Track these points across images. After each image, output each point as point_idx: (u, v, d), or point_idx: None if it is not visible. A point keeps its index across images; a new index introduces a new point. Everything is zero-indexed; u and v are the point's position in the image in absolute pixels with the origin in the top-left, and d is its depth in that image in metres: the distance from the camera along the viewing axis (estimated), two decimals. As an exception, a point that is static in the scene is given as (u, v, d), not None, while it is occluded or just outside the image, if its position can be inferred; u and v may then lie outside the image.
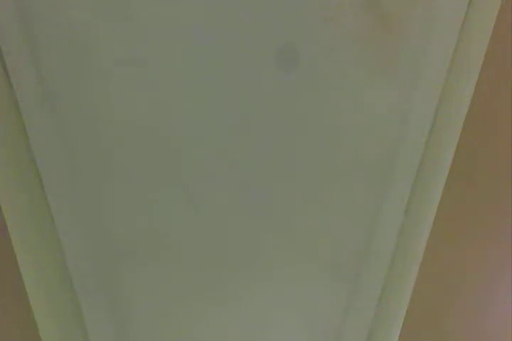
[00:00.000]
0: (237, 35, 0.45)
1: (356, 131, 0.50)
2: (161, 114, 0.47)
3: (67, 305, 0.54)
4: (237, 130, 0.49)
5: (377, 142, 0.51)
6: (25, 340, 0.53)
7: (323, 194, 0.52)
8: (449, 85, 0.49)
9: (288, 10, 0.44)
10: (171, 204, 0.51)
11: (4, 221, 0.48)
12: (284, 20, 0.45)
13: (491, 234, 0.59)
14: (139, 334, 0.57)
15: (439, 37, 0.47)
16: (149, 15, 0.44)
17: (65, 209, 0.50)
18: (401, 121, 0.50)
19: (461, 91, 0.50)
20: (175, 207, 0.51)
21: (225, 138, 0.49)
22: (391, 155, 0.51)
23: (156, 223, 0.52)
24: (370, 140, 0.50)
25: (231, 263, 0.54)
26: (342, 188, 0.52)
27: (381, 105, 0.49)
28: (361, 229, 0.54)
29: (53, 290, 0.53)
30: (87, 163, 0.49)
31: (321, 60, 0.46)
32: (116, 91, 0.46)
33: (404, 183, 0.53)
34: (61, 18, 0.43)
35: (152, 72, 0.46)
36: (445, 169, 0.52)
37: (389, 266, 0.56)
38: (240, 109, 0.48)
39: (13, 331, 0.54)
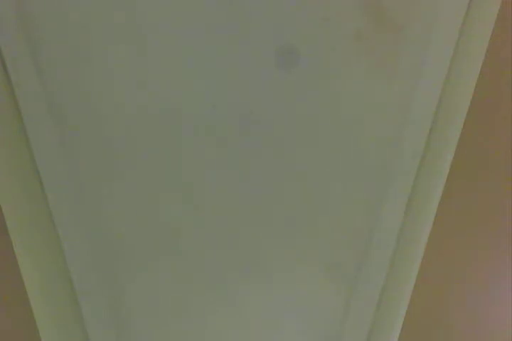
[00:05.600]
0: (236, 35, 0.45)
1: (356, 130, 0.50)
2: (162, 114, 0.47)
3: (68, 305, 0.54)
4: (236, 130, 0.49)
5: (377, 142, 0.51)
6: (25, 340, 0.53)
7: (323, 193, 0.52)
8: (449, 85, 0.49)
9: (287, 9, 0.44)
10: (172, 205, 0.51)
11: (4, 221, 0.48)
12: (283, 19, 0.45)
13: (491, 234, 0.59)
14: (139, 335, 0.57)
15: (439, 37, 0.47)
16: (150, 15, 0.44)
17: (65, 209, 0.50)
18: (401, 120, 0.50)
19: (461, 91, 0.50)
20: (175, 207, 0.51)
21: (225, 138, 0.49)
22: (391, 154, 0.51)
23: (156, 223, 0.52)
24: (370, 139, 0.50)
25: (231, 263, 0.54)
26: (342, 188, 0.52)
27: (381, 105, 0.49)
28: (361, 228, 0.54)
29: (53, 290, 0.52)
30: (87, 163, 0.48)
31: (321, 59, 0.46)
32: (117, 91, 0.46)
33: (404, 183, 0.53)
34: (62, 18, 0.43)
35: (153, 73, 0.46)
36: (445, 169, 0.52)
37: (389, 266, 0.56)
38: (239, 108, 0.48)
39: (13, 331, 0.54)
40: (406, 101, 0.49)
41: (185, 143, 0.49)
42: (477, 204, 0.57)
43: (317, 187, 0.52)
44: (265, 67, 0.46)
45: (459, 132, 0.51)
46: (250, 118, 0.48)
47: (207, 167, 0.50)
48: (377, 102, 0.49)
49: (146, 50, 0.45)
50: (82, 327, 0.55)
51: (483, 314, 0.63)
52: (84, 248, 0.52)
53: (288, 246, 0.54)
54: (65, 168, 0.49)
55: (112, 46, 0.44)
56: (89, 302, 0.54)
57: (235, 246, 0.54)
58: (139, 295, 0.55)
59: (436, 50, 0.47)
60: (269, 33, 0.45)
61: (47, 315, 0.52)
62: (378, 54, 0.47)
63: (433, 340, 0.65)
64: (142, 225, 0.52)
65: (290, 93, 0.48)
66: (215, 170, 0.50)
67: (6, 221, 0.48)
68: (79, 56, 0.44)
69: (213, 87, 0.47)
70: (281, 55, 0.46)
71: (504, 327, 0.64)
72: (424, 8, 0.46)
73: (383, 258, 0.56)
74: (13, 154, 0.47)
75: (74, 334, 0.55)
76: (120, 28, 0.44)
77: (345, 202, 0.53)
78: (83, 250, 0.52)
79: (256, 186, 0.51)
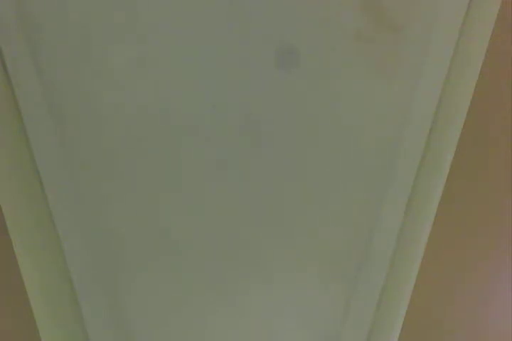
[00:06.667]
0: (236, 35, 0.45)
1: (356, 130, 0.50)
2: (162, 114, 0.47)
3: (68, 305, 0.54)
4: (236, 130, 0.49)
5: (377, 142, 0.51)
6: (25, 340, 0.53)
7: (323, 194, 0.52)
8: (449, 85, 0.49)
9: (288, 9, 0.44)
10: (172, 205, 0.51)
11: (4, 221, 0.48)
12: (283, 19, 0.45)
13: (491, 234, 0.59)
14: (139, 335, 0.57)
15: (439, 37, 0.47)
16: (151, 15, 0.44)
17: (65, 209, 0.50)
18: (401, 121, 0.50)
19: (461, 91, 0.50)
20: (175, 207, 0.51)
21: (225, 138, 0.49)
22: (391, 155, 0.51)
23: (156, 223, 0.52)
24: (370, 140, 0.50)
25: (231, 263, 0.54)
26: (342, 188, 0.52)
27: (381, 105, 0.49)
28: (361, 229, 0.54)
29: (53, 290, 0.53)
30: (87, 163, 0.48)
31: (321, 59, 0.46)
32: (117, 91, 0.46)
33: (404, 183, 0.53)
34: (62, 18, 0.43)
35: (153, 73, 0.46)
36: (445, 169, 0.52)
37: (389, 266, 0.56)
38: (239, 109, 0.48)
39: (13, 331, 0.54)
40: (406, 101, 0.49)
41: (185, 143, 0.49)
42: (477, 204, 0.57)
43: (317, 187, 0.52)
44: (265, 67, 0.46)
45: (459, 132, 0.51)
46: (250, 119, 0.48)
47: (207, 167, 0.50)
48: (377, 102, 0.49)
49: (146, 50, 0.45)
50: (82, 327, 0.55)
51: (483, 314, 0.63)
52: (84, 248, 0.52)
53: (288, 246, 0.54)
54: (65, 168, 0.48)
55: (112, 46, 0.44)
56: (89, 302, 0.54)
57: (235, 246, 0.54)
58: (138, 295, 0.55)
59: (436, 50, 0.47)
60: (269, 33, 0.45)
61: (47, 315, 0.52)
62: (378, 54, 0.47)
63: (433, 340, 0.65)
64: (142, 225, 0.52)
65: (290, 93, 0.48)
66: (215, 170, 0.50)
67: (6, 221, 0.48)
68: (79, 56, 0.44)
69: (213, 87, 0.47)
70: (281, 55, 0.46)
71: (504, 327, 0.64)
72: (424, 8, 0.46)
73: (383, 258, 0.56)
74: (13, 154, 0.47)
75: (74, 334, 0.55)
76: (120, 28, 0.44)
77: (345, 202, 0.53)
78: (83, 250, 0.52)
79: (256, 186, 0.51)
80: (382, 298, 0.57)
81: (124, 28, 0.44)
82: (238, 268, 0.55)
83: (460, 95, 0.50)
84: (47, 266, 0.51)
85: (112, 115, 0.47)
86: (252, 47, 0.45)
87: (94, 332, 0.55)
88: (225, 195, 0.51)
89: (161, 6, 0.43)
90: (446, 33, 0.47)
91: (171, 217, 0.52)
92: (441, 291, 0.62)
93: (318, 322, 0.59)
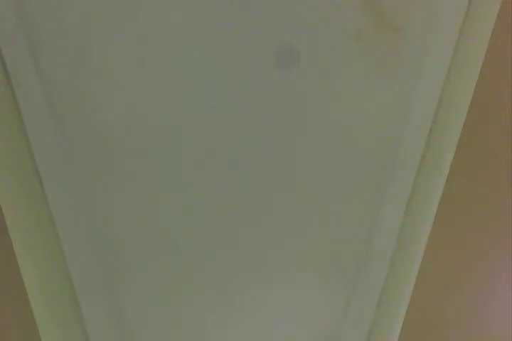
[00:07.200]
0: (236, 35, 0.45)
1: (356, 130, 0.50)
2: (162, 114, 0.47)
3: (68, 305, 0.54)
4: (236, 131, 0.49)
5: (377, 142, 0.51)
6: (25, 340, 0.53)
7: (323, 193, 0.52)
8: (449, 85, 0.49)
9: (288, 9, 0.44)
10: (172, 205, 0.51)
11: (4, 221, 0.48)
12: (283, 19, 0.45)
13: (491, 234, 0.59)
14: (139, 334, 0.57)
15: (439, 37, 0.47)
16: (151, 15, 0.44)
17: (65, 209, 0.50)
18: (401, 121, 0.50)
19: (461, 91, 0.50)
20: (175, 207, 0.51)
21: (226, 139, 0.49)
22: (391, 155, 0.51)
23: (156, 223, 0.52)
24: (370, 140, 0.50)
25: (231, 263, 0.54)
26: (342, 188, 0.52)
27: (381, 105, 0.49)
28: (361, 229, 0.54)
29: (53, 290, 0.53)
30: (87, 163, 0.49)
31: (321, 59, 0.46)
32: (117, 91, 0.46)
33: (404, 183, 0.53)
34: (62, 18, 0.43)
35: (153, 73, 0.46)
36: (445, 169, 0.52)
37: (389, 266, 0.56)
38: (239, 109, 0.48)
39: (13, 331, 0.54)
40: (406, 101, 0.49)
41: (184, 143, 0.49)
42: (477, 204, 0.57)
43: (317, 187, 0.52)
44: (265, 67, 0.46)
45: (459, 132, 0.51)
46: (250, 119, 0.48)
47: (207, 167, 0.50)
48: (377, 102, 0.49)
49: (146, 50, 0.45)
50: (82, 327, 0.55)
51: (483, 314, 0.63)
52: (84, 248, 0.52)
53: (288, 246, 0.54)
54: (65, 168, 0.49)
55: (112, 46, 0.44)
56: (89, 302, 0.54)
57: (235, 246, 0.54)
58: (138, 294, 0.55)
59: (436, 50, 0.47)
60: (269, 33, 0.45)
61: (47, 315, 0.52)
62: (378, 54, 0.47)
63: (433, 340, 0.65)
64: (142, 225, 0.52)
65: (290, 93, 0.48)
66: (215, 170, 0.50)
67: (6, 221, 0.48)
68: (79, 56, 0.44)
69: (213, 87, 0.47)
70: (281, 55, 0.46)
71: (504, 327, 0.64)
72: (424, 8, 0.46)
73: (383, 258, 0.56)
74: (13, 154, 0.47)
75: (74, 334, 0.55)
76: (120, 28, 0.44)
77: (345, 202, 0.53)
78: (83, 250, 0.52)
79: (256, 186, 0.51)
80: (382, 298, 0.57)
81: (124, 28, 0.44)
82: (238, 268, 0.55)
83: (460, 95, 0.50)
84: (47, 266, 0.51)
85: (111, 115, 0.47)
86: (252, 47, 0.45)
87: (94, 332, 0.55)
88: (225, 194, 0.51)
89: (161, 6, 0.44)
90: (446, 33, 0.47)
91: (171, 217, 0.52)
92: (441, 291, 0.62)
93: (318, 322, 0.59)
